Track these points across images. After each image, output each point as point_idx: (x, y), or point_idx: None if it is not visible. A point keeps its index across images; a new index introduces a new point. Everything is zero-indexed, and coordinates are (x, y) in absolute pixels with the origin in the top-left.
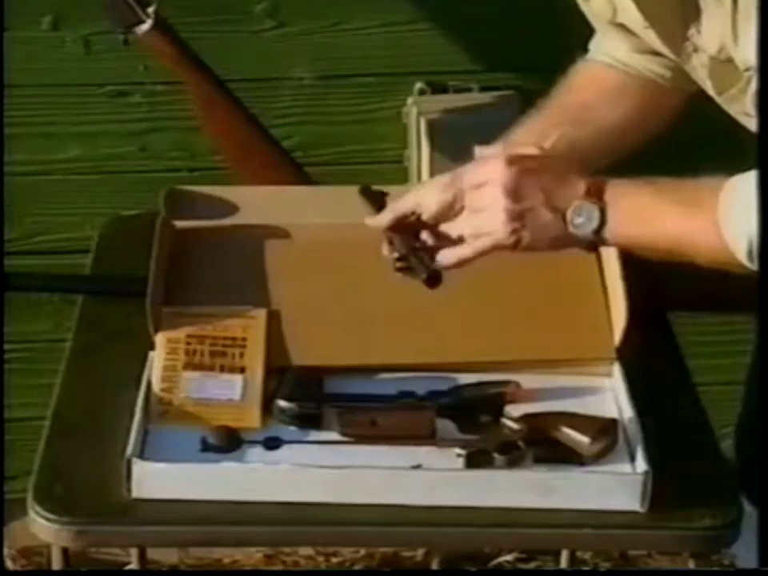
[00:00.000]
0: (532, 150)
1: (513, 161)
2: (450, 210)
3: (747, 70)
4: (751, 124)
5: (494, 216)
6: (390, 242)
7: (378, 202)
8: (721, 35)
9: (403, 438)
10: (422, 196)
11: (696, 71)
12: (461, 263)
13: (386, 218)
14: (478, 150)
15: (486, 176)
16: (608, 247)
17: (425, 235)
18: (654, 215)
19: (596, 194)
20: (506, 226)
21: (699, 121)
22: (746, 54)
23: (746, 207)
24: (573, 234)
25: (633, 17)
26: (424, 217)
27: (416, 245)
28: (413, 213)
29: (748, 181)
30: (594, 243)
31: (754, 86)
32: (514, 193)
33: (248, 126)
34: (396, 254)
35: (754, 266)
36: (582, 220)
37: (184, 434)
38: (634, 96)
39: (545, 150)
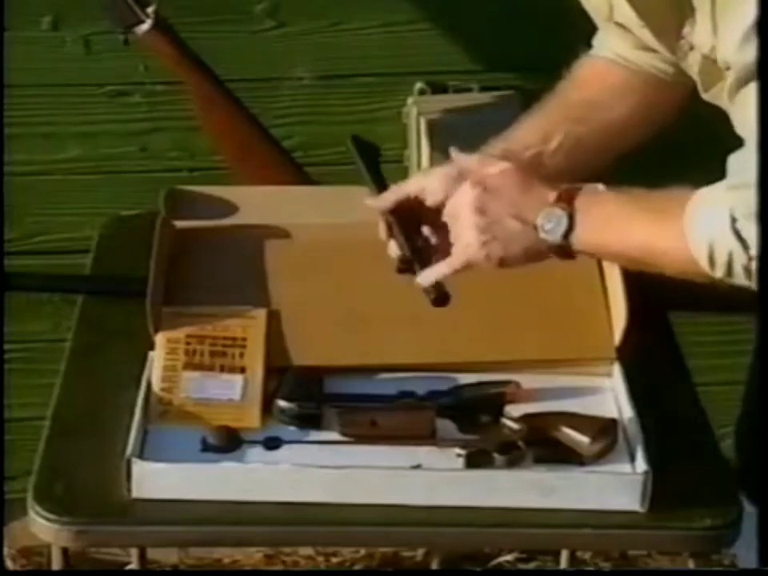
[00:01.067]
0: (502, 166)
1: (477, 182)
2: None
3: (728, 68)
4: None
5: (466, 233)
6: (389, 227)
7: (368, 154)
8: (712, 35)
9: (403, 437)
10: (428, 182)
11: (692, 69)
12: (440, 279)
13: (388, 199)
14: (455, 155)
15: (458, 205)
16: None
17: (427, 231)
18: (622, 223)
19: (566, 201)
20: (477, 239)
21: (697, 119)
22: (723, 51)
23: (709, 215)
24: (544, 240)
25: (628, 15)
26: (428, 203)
27: (418, 243)
28: (416, 197)
29: (714, 191)
30: (564, 249)
31: (728, 82)
32: (480, 209)
33: (248, 126)
34: (399, 254)
35: (715, 273)
36: (551, 225)
37: (184, 434)
38: (637, 92)
39: (515, 161)
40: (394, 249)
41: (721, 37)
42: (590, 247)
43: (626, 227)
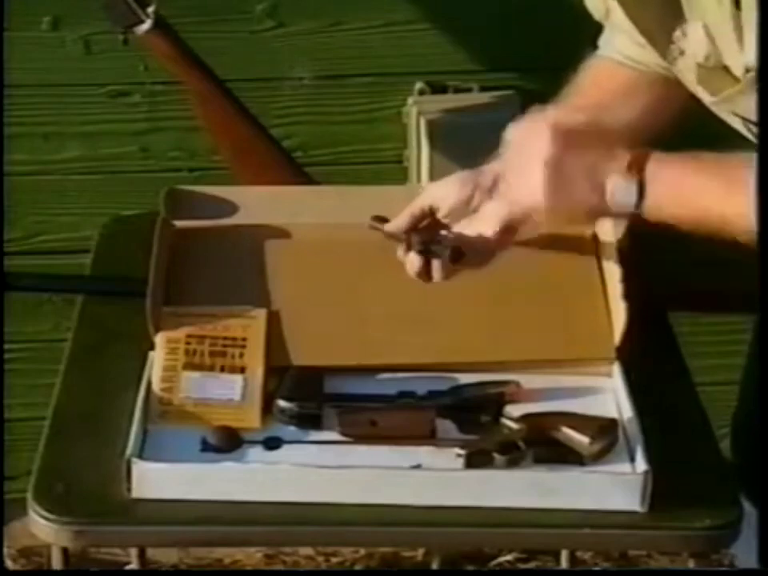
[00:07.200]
0: (580, 119)
1: (557, 134)
2: (468, 206)
3: (748, 71)
4: (739, 124)
5: (534, 185)
6: (408, 243)
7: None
8: (708, 43)
9: (403, 437)
10: (438, 191)
11: (683, 74)
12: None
13: (403, 219)
14: (534, 112)
15: (531, 147)
16: (609, 245)
17: (444, 233)
18: (693, 193)
19: (637, 168)
20: (543, 201)
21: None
22: (749, 54)
23: None
24: (612, 208)
25: (621, 18)
26: (441, 213)
27: (436, 238)
28: (429, 209)
29: None
30: (633, 216)
31: (745, 83)
32: (555, 164)
33: (248, 125)
34: (417, 248)
35: None
36: (621, 195)
37: (184, 433)
38: (645, 93)
39: (592, 123)
40: (413, 261)
41: (746, 42)
42: (659, 216)
43: (697, 198)
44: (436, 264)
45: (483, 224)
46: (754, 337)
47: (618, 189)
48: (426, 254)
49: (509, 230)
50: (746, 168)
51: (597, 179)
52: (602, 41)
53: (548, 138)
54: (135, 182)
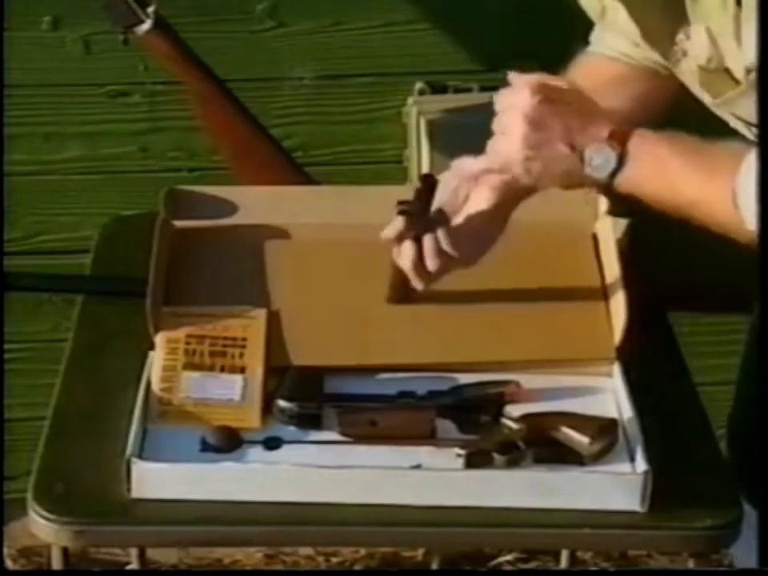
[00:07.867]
0: (563, 83)
1: (539, 89)
2: (456, 197)
3: (749, 72)
4: (740, 125)
5: (511, 140)
6: (401, 235)
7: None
8: (710, 46)
9: (403, 438)
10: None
11: (685, 76)
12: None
13: (396, 225)
14: (511, 76)
15: (511, 101)
16: (609, 245)
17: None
18: (671, 174)
19: (619, 140)
20: (520, 152)
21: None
22: (748, 55)
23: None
24: (587, 174)
25: (622, 18)
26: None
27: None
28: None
29: None
30: (607, 187)
31: (746, 84)
32: (534, 121)
33: (248, 125)
34: (409, 235)
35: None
36: (599, 162)
37: (184, 433)
38: (636, 86)
39: (576, 86)
40: (406, 251)
41: (745, 41)
42: (633, 191)
43: (674, 179)
44: (429, 250)
45: (474, 206)
46: (749, 337)
47: (597, 157)
48: (418, 240)
49: (500, 210)
50: (729, 157)
51: (576, 143)
52: (593, 37)
53: (528, 93)
54: (135, 182)
